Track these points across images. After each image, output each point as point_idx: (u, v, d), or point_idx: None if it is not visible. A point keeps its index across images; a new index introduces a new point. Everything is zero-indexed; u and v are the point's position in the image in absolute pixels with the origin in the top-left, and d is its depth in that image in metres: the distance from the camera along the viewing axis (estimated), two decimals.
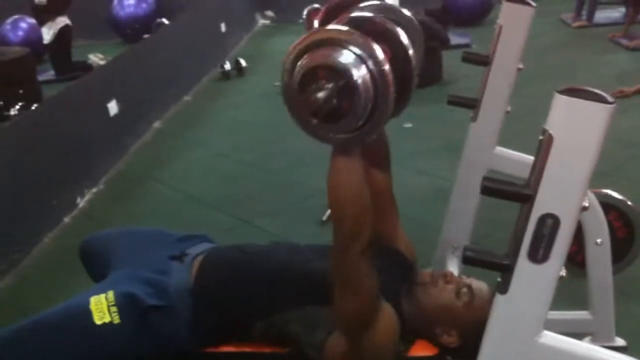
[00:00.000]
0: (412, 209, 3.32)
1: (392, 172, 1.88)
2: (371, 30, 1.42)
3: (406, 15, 1.69)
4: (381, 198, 1.83)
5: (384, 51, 1.37)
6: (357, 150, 1.44)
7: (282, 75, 1.39)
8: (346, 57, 1.31)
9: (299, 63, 1.34)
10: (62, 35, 6.70)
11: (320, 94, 1.30)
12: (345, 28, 1.38)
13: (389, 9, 1.68)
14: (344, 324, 1.54)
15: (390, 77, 1.33)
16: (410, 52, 1.49)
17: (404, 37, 1.49)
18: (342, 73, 1.29)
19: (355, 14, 1.54)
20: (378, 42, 1.37)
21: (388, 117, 1.40)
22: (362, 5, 1.67)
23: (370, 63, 1.31)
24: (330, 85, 1.30)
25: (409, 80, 1.50)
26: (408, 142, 4.26)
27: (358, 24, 1.44)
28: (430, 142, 4.41)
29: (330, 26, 1.43)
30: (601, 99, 1.14)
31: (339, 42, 1.33)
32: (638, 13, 6.64)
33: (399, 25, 1.61)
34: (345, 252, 1.45)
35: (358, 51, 1.31)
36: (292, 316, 1.63)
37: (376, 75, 1.32)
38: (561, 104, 1.16)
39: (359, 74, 1.30)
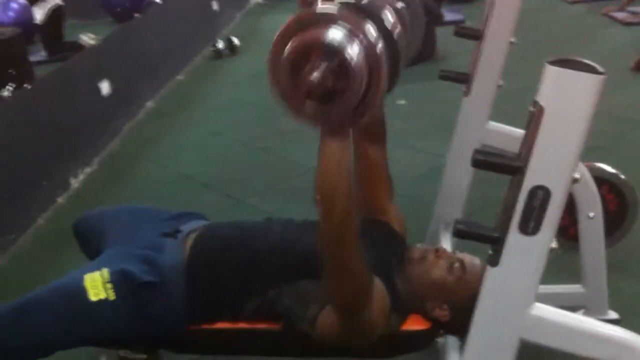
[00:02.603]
0: (407, 187, 3.32)
1: (387, 150, 1.87)
2: (357, 10, 1.39)
3: None
4: (376, 173, 1.83)
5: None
6: (348, 134, 1.40)
7: (271, 57, 1.34)
8: (337, 33, 1.27)
9: (289, 43, 1.30)
10: (54, 15, 6.63)
11: (315, 74, 1.25)
12: (335, 7, 1.34)
13: None
14: (336, 303, 1.54)
15: (382, 55, 1.30)
16: (397, 31, 1.45)
17: (390, 17, 1.46)
18: (336, 51, 1.25)
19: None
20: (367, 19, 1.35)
21: (382, 97, 1.37)
22: None
23: (363, 41, 1.28)
24: (324, 64, 1.25)
25: (397, 59, 1.47)
26: (402, 120, 4.24)
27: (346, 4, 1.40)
28: (424, 119, 4.40)
29: (320, 5, 1.39)
30: (591, 70, 1.14)
31: (331, 21, 1.29)
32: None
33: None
34: (337, 235, 1.42)
35: (350, 30, 1.28)
36: (285, 291, 1.64)
37: (369, 53, 1.28)
38: (551, 75, 1.15)
39: (353, 52, 1.26)
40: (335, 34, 1.27)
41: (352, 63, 1.25)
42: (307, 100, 1.29)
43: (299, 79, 1.28)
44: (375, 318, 1.55)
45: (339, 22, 1.28)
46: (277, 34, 1.33)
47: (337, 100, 1.29)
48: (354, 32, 1.28)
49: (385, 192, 1.89)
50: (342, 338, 1.56)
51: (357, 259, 1.46)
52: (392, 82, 1.45)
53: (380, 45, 1.30)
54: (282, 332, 1.66)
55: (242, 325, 1.69)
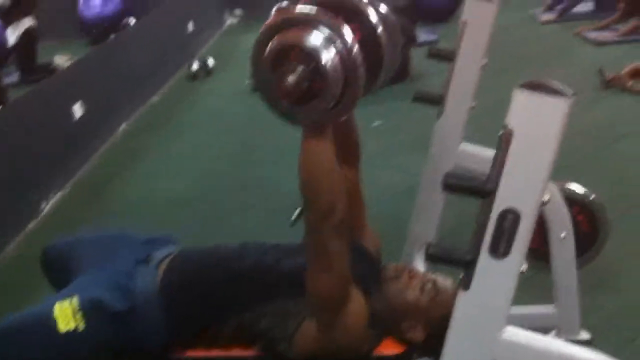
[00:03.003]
0: (385, 206, 3.33)
1: (364, 170, 1.90)
2: (341, 9, 1.44)
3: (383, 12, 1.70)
4: (349, 194, 1.84)
5: (354, 31, 1.38)
6: (327, 131, 1.45)
7: (253, 53, 1.39)
8: (316, 38, 1.32)
9: (270, 42, 1.35)
10: (27, 36, 6.59)
11: (291, 77, 1.30)
12: (314, 8, 1.38)
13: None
14: (317, 302, 1.55)
15: (359, 58, 1.34)
16: (380, 30, 1.49)
17: (373, 16, 1.50)
18: (312, 55, 1.31)
19: None
20: (348, 22, 1.39)
21: (359, 98, 1.41)
22: None
23: (339, 44, 1.32)
24: (300, 67, 1.31)
25: (379, 58, 1.51)
26: (378, 140, 4.27)
27: (328, 3, 1.45)
28: (400, 138, 4.42)
29: (301, 6, 1.43)
30: (560, 93, 1.15)
31: (310, 23, 1.34)
32: (623, 20, 6.67)
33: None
34: (319, 228, 1.47)
35: (328, 32, 1.33)
36: (263, 311, 1.63)
37: (345, 56, 1.33)
38: (521, 99, 1.16)
39: (329, 56, 1.31)
40: (312, 37, 1.32)
41: (327, 67, 1.31)
42: (284, 101, 1.35)
43: (277, 81, 1.33)
44: (354, 325, 1.56)
45: (318, 25, 1.33)
46: (261, 31, 1.38)
47: (312, 102, 1.35)
48: (331, 36, 1.32)
49: (360, 212, 1.91)
50: (319, 349, 1.56)
51: (339, 253, 1.50)
52: (375, 79, 1.50)
53: (356, 49, 1.34)
54: (260, 357, 1.64)
55: (215, 353, 1.67)
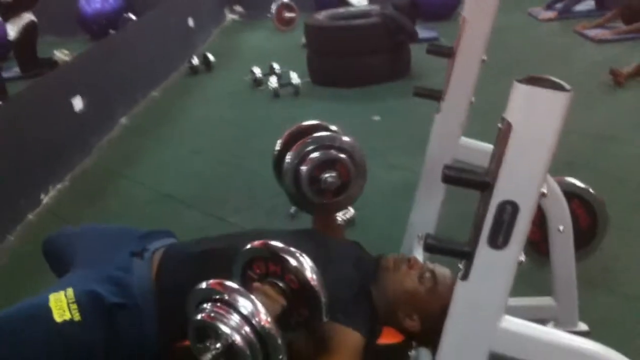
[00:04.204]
0: (384, 204, 3.35)
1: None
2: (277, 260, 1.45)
3: (349, 142, 1.99)
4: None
5: (291, 280, 1.43)
6: None
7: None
8: (233, 318, 1.32)
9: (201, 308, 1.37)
10: (27, 31, 6.60)
11: (207, 356, 1.31)
12: (236, 284, 1.40)
13: (334, 138, 1.99)
14: None
15: (275, 335, 1.33)
16: (314, 277, 1.46)
17: (307, 265, 1.46)
18: (226, 338, 1.31)
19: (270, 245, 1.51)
20: (284, 272, 1.43)
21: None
22: (314, 135, 1.99)
23: (255, 321, 1.32)
24: (216, 347, 1.31)
25: (317, 301, 1.47)
26: (378, 137, 4.27)
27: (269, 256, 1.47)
28: (400, 136, 4.43)
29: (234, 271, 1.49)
30: (558, 87, 1.16)
31: (227, 302, 1.34)
32: (617, 18, 6.72)
33: (343, 152, 1.94)
34: None
35: (244, 308, 1.33)
36: None
37: (261, 331, 1.32)
38: (519, 92, 1.17)
39: (241, 337, 1.31)
40: (227, 319, 1.32)
41: (240, 347, 1.30)
42: None
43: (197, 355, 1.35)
44: None
45: (234, 301, 1.34)
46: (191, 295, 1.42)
47: None
48: (248, 313, 1.32)
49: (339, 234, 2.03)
50: None
51: None
52: (315, 327, 1.50)
53: (271, 325, 1.33)
54: None
55: None
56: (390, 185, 3.66)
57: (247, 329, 1.31)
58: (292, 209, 3.24)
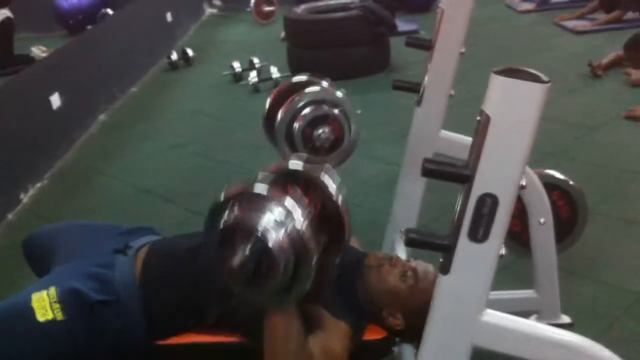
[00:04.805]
0: (366, 197, 3.34)
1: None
2: (300, 181, 1.42)
3: (340, 96, 2.00)
4: None
5: (314, 201, 1.38)
6: (290, 311, 1.44)
7: (206, 226, 1.38)
8: (264, 219, 1.29)
9: (223, 215, 1.34)
10: (3, 28, 6.53)
11: (235, 260, 1.28)
12: (266, 188, 1.36)
13: (325, 92, 1.99)
14: None
15: (308, 240, 1.31)
16: (340, 200, 1.45)
17: (331, 185, 1.46)
18: (257, 236, 1.28)
19: (286, 166, 1.49)
20: (307, 192, 1.38)
21: (312, 277, 1.36)
22: (305, 91, 1.96)
23: (288, 225, 1.30)
24: (246, 249, 1.28)
25: (341, 227, 1.46)
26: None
27: (288, 176, 1.44)
28: (381, 129, 4.42)
29: (259, 180, 1.40)
30: (536, 79, 1.16)
31: (260, 203, 1.32)
32: (598, 9, 6.75)
33: (335, 107, 1.92)
34: None
35: (278, 212, 1.30)
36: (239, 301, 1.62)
37: (295, 238, 1.30)
38: (497, 84, 1.17)
39: (276, 237, 1.28)
40: (260, 218, 1.29)
41: (274, 248, 1.28)
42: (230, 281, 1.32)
43: (223, 261, 1.31)
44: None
45: (269, 204, 1.31)
46: (216, 202, 1.38)
47: (260, 283, 1.31)
48: (281, 218, 1.30)
49: None
50: None
51: None
52: (338, 249, 1.46)
53: (306, 230, 1.31)
54: (242, 346, 1.64)
55: (202, 339, 1.67)
56: (373, 178, 3.65)
57: (282, 231, 1.29)
58: None
